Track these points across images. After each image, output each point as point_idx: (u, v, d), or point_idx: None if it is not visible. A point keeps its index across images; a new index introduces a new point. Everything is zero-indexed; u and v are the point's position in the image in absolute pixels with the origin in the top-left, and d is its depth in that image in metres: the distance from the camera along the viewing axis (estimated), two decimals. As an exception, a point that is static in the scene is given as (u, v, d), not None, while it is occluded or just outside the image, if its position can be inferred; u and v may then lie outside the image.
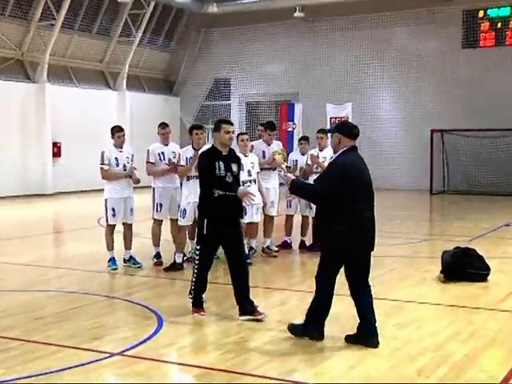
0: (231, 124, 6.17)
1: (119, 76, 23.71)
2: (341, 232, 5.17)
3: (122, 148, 8.58)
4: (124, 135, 8.58)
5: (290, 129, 20.17)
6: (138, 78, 24.94)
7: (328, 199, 5.18)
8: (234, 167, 6.09)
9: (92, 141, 21.32)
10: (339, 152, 5.36)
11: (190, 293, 6.22)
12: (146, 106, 23.93)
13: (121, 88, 23.61)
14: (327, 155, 9.01)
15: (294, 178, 5.55)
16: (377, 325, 5.26)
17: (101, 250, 9.44)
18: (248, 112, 24.69)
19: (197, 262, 6.14)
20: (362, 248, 5.34)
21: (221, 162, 5.97)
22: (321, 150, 9.36)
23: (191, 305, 6.20)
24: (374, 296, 5.40)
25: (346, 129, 5.43)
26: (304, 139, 9.92)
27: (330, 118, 20.23)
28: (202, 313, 6.11)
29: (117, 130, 8.58)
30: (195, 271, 6.16)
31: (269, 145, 9.31)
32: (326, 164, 9.21)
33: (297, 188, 5.49)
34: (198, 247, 6.09)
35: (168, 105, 25.29)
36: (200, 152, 6.58)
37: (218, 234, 5.93)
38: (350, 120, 19.72)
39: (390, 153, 22.63)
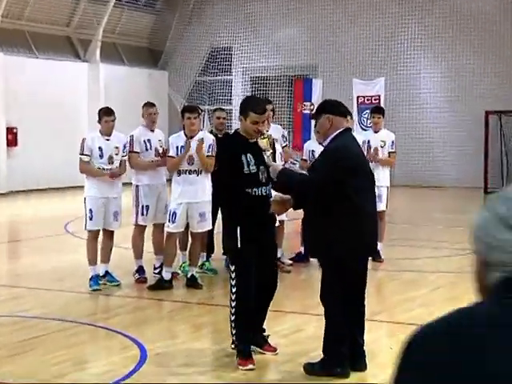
0: (264, 111, 5.87)
1: (91, 44, 23.82)
2: (341, 233, 5.27)
3: (109, 136, 8.65)
4: (114, 120, 8.68)
5: (306, 110, 19.97)
6: (114, 47, 25.06)
7: (324, 192, 5.30)
8: (271, 157, 6.00)
9: (57, 126, 21.50)
10: (332, 136, 5.51)
11: (233, 341, 5.84)
12: (124, 81, 24.02)
13: (93, 59, 23.74)
14: (386, 139, 9.89)
15: (281, 166, 5.69)
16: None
17: (69, 263, 9.49)
18: (254, 89, 24.82)
19: (235, 291, 5.73)
20: (363, 251, 5.49)
21: (249, 155, 5.82)
22: (376, 132, 9.97)
23: (236, 354, 5.71)
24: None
25: (335, 107, 5.61)
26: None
27: (358, 97, 20.26)
28: (251, 365, 5.60)
29: (104, 113, 8.67)
30: (235, 305, 5.73)
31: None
32: (384, 153, 9.86)
33: (285, 178, 5.54)
34: (233, 268, 5.76)
35: (153, 80, 25.43)
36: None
37: (255, 244, 5.70)
38: (382, 100, 19.79)
39: (432, 141, 22.77)
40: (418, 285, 8.79)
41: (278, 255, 9.43)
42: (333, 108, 5.56)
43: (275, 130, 9.52)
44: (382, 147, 10.08)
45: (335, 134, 5.46)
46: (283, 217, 9.03)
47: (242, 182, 5.75)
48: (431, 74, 22.93)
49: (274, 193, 5.73)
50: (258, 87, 24.69)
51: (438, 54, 22.62)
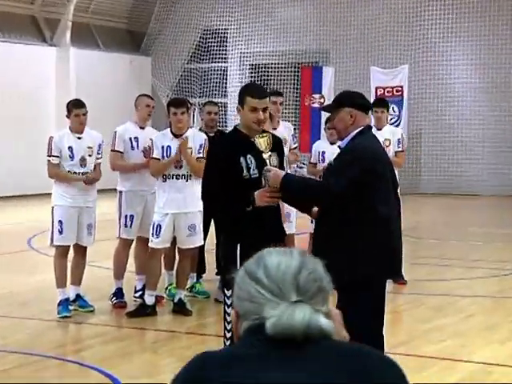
0: (264, 96, 5.83)
1: (59, 25, 23.66)
2: (369, 248, 5.28)
3: (81, 133, 8.68)
4: (85, 114, 8.69)
5: (314, 104, 20.29)
6: (88, 29, 25.02)
7: (343, 202, 5.29)
8: (275, 159, 5.82)
9: (19, 122, 21.44)
10: (353, 134, 5.50)
11: None
12: (99, 69, 23.83)
13: (62, 42, 23.61)
14: (391, 137, 9.87)
15: (283, 172, 5.58)
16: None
17: (33, 286, 9.46)
18: (253, 79, 24.71)
19: (230, 319, 5.57)
20: (393, 271, 5.55)
21: (249, 156, 5.74)
22: (379, 130, 9.86)
23: None
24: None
25: (359, 100, 5.61)
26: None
27: (376, 89, 20.55)
28: None
29: (74, 106, 8.68)
30: (230, 336, 5.72)
31: (274, 128, 8.93)
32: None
33: (294, 186, 5.49)
34: (230, 292, 5.60)
35: (134, 68, 25.35)
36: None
37: None
38: (405, 92, 19.98)
39: (466, 141, 22.74)
40: (448, 311, 8.77)
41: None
42: (356, 101, 5.55)
43: (285, 129, 9.53)
44: (386, 146, 9.95)
45: (355, 132, 5.47)
46: (292, 229, 9.06)
47: (240, 190, 5.66)
48: (464, 60, 22.83)
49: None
50: (257, 76, 24.69)
51: (472, 37, 22.57)
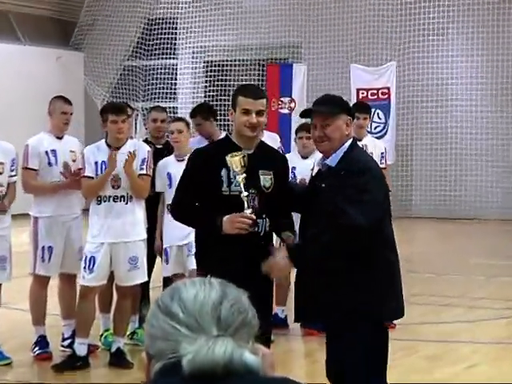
0: (259, 96, 5.95)
1: (-29, 13, 23.74)
2: (381, 290, 5.39)
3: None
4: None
5: (283, 109, 20.21)
6: (5, 17, 24.90)
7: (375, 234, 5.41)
8: (266, 178, 5.92)
9: None
10: (346, 146, 5.59)
11: None
12: (20, 66, 23.55)
13: (-26, 35, 23.56)
14: (373, 149, 10.02)
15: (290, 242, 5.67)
16: None
17: None
18: (208, 79, 24.69)
19: None
20: (399, 315, 5.73)
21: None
22: (358, 141, 9.91)
23: None
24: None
25: (348, 105, 5.84)
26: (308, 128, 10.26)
27: (358, 91, 20.38)
28: None
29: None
30: None
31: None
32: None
33: (311, 252, 5.53)
34: None
35: (62, 65, 25.11)
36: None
37: None
38: (393, 94, 19.97)
39: (466, 154, 22.64)
40: (447, 361, 8.76)
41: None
42: (349, 107, 5.72)
43: (270, 140, 9.44)
44: None
45: (347, 144, 5.57)
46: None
47: (218, 209, 5.72)
48: (465, 57, 22.73)
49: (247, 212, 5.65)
50: (214, 76, 24.50)
51: (474, 30, 22.51)
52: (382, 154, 10.43)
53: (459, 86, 22.87)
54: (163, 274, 8.90)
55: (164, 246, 8.75)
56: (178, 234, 8.34)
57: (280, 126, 19.47)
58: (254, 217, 5.61)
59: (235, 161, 5.67)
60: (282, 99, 20.28)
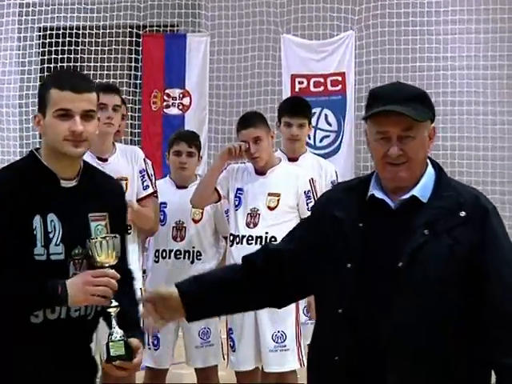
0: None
1: None
2: None
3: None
4: None
5: (170, 108, 16.98)
6: None
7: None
8: (98, 227, 5.03)
9: None
10: (431, 171, 4.67)
11: None
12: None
13: None
14: (315, 173, 9.16)
15: None
16: None
17: None
18: (46, 57, 21.04)
19: None
20: None
21: (52, 216, 4.69)
22: (293, 160, 9.46)
23: None
24: None
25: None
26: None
27: (293, 77, 16.42)
28: None
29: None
30: None
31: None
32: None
33: None
34: None
35: None
36: None
37: None
38: (349, 84, 17.20)
39: (469, 169, 19.67)
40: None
41: None
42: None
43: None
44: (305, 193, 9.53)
45: (430, 167, 4.64)
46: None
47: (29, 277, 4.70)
48: (463, 26, 19.54)
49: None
50: (54, 52, 20.68)
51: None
52: (332, 182, 8.89)
53: (455, 72, 19.56)
54: None
55: None
56: None
57: (165, 135, 16.26)
58: (118, 275, 4.67)
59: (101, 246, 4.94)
60: (167, 91, 16.72)
